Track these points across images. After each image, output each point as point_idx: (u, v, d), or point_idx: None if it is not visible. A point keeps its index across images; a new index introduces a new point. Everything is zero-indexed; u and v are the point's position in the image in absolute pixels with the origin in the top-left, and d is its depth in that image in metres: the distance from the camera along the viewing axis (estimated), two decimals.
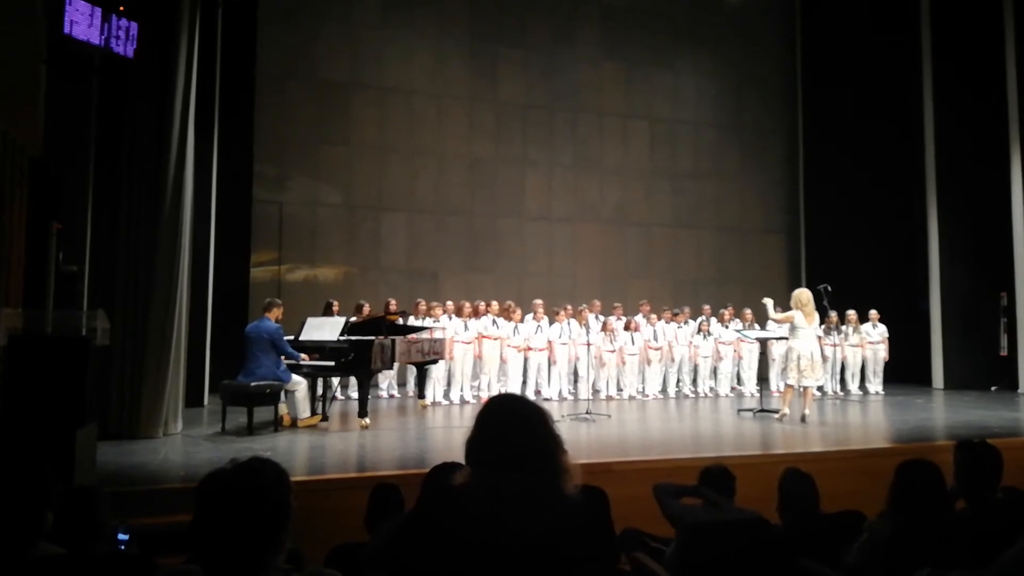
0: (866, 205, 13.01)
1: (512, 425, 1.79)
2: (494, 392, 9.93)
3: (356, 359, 7.31)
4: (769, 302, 8.77)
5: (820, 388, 11.03)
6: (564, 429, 1.85)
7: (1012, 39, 11.13)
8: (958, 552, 2.55)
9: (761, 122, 14.36)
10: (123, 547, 2.94)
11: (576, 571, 1.72)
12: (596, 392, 10.37)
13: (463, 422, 8.35)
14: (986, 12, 11.54)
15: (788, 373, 8.21)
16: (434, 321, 9.73)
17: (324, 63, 11.86)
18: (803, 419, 7.92)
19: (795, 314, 8.12)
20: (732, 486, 3.43)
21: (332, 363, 7.39)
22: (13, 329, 5.02)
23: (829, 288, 10.35)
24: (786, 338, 8.41)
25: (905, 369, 11.95)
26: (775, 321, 8.68)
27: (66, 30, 5.84)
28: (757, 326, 10.90)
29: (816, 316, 8.31)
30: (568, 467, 1.78)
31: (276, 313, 7.27)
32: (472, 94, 12.69)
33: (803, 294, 8.26)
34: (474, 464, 1.80)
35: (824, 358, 11.05)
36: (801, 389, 8.06)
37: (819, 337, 10.87)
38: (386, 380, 10.13)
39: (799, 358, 8.02)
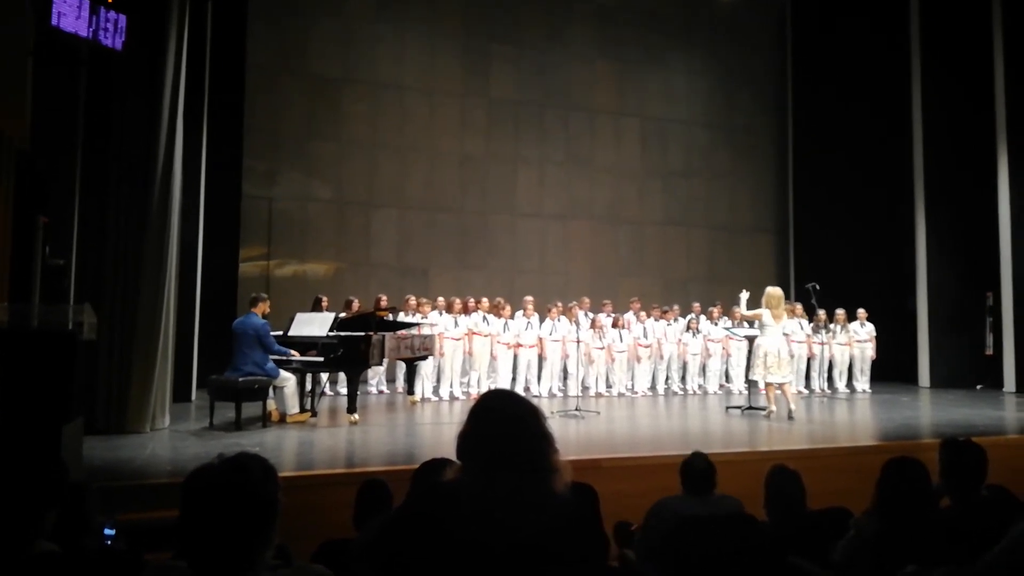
0: (855, 205, 13.10)
1: (505, 423, 1.79)
2: (483, 389, 9.93)
3: (345, 355, 7.30)
4: (744, 296, 8.84)
5: (807, 386, 11.14)
6: (554, 426, 1.85)
7: (1000, 41, 11.21)
8: (943, 550, 2.56)
9: (752, 121, 14.41)
10: (110, 542, 2.92)
11: (566, 569, 1.72)
12: (585, 389, 10.39)
13: (452, 418, 8.35)
14: (975, 13, 11.62)
15: (754, 369, 8.33)
16: (423, 317, 9.71)
17: (315, 58, 11.80)
18: (790, 416, 7.98)
19: (763, 312, 8.24)
20: (713, 479, 3.42)
21: (321, 359, 7.37)
22: None
23: (817, 287, 10.43)
24: None
25: (892, 367, 12.05)
26: (744, 317, 8.80)
27: (54, 22, 5.79)
28: (746, 324, 10.95)
29: (784, 315, 8.44)
30: (559, 466, 1.78)
31: (262, 308, 7.23)
32: (464, 90, 12.67)
33: (773, 293, 8.38)
34: (465, 460, 1.79)
35: (811, 355, 11.17)
36: (779, 387, 8.14)
37: (808, 336, 11.01)
38: (375, 376, 10.11)
39: (766, 355, 8.15)
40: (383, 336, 7.71)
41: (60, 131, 6.47)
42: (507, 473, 1.71)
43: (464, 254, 12.52)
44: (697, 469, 3.41)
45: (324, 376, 8.43)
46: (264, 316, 7.21)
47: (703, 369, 11.31)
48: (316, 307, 8.97)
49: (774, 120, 14.48)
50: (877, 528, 2.68)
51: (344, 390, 8.48)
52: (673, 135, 13.95)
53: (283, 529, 1.65)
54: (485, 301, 10.17)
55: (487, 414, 1.82)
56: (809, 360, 11.22)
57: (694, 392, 11.09)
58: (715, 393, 11.04)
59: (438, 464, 2.50)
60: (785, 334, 8.59)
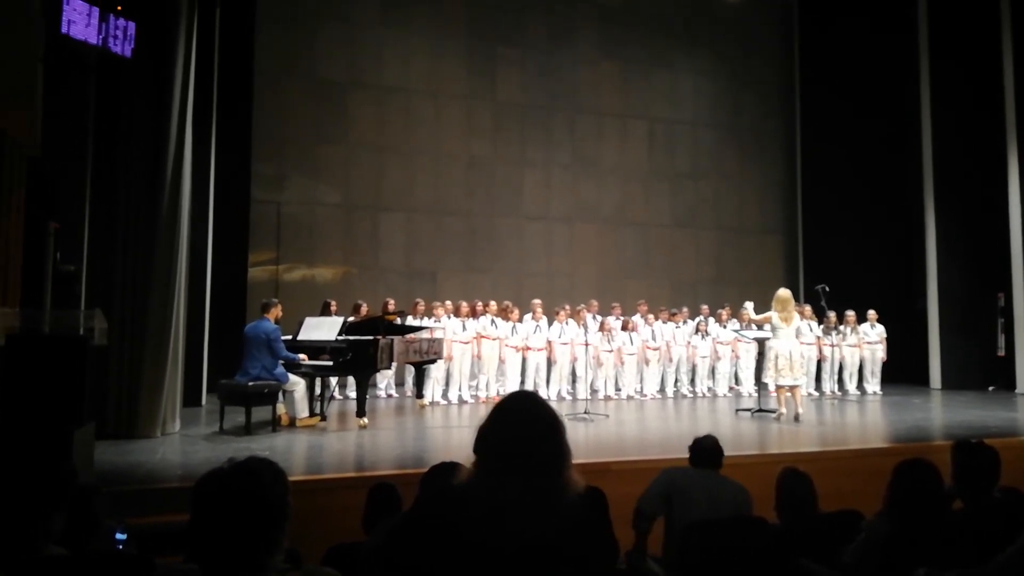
0: (864, 205, 13.03)
1: (526, 428, 1.78)
2: (492, 392, 9.95)
3: (354, 359, 7.31)
4: (749, 305, 8.88)
5: (818, 388, 11.08)
6: None
7: (1009, 40, 11.15)
8: (955, 552, 2.55)
9: (759, 122, 14.37)
10: (121, 546, 2.93)
11: (575, 573, 1.71)
12: (594, 392, 10.37)
13: (461, 422, 8.36)
14: (984, 13, 11.55)
15: (766, 372, 8.31)
16: (436, 320, 9.73)
17: (322, 62, 11.85)
18: (796, 418, 7.96)
19: (772, 315, 8.23)
20: (720, 460, 3.62)
21: (330, 363, 7.38)
22: (11, 329, 5.01)
23: (827, 288, 10.38)
24: None
25: (903, 369, 11.97)
26: (754, 321, 8.81)
27: (64, 29, 5.84)
28: (755, 326, 10.91)
29: (795, 316, 8.39)
30: (572, 479, 1.77)
31: (275, 313, 7.26)
32: (470, 94, 12.69)
33: (781, 295, 8.37)
34: (480, 455, 1.78)
35: (822, 357, 11.11)
36: (790, 389, 8.11)
37: (818, 338, 10.96)
38: (384, 380, 10.13)
39: (777, 357, 8.14)
40: (392, 340, 7.73)
41: (70, 137, 6.51)
42: (518, 477, 1.71)
43: (471, 257, 12.52)
44: (705, 446, 3.62)
45: (333, 380, 8.45)
46: (276, 321, 7.24)
47: (712, 372, 11.27)
48: (325, 311, 8.99)
49: (781, 121, 14.44)
50: (888, 530, 2.66)
51: (353, 394, 8.50)
52: (680, 137, 13.93)
53: (293, 533, 1.66)
54: (493, 304, 10.17)
55: (510, 416, 1.82)
56: (820, 362, 11.17)
57: (703, 395, 11.05)
58: (724, 396, 11.00)
59: (447, 468, 2.50)
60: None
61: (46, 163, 6.16)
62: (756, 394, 9.92)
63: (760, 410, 8.64)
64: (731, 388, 11.36)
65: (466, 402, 9.78)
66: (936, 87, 12.11)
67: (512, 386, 9.97)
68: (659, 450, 6.41)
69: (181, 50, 7.09)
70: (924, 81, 12.25)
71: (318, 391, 7.97)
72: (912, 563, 2.48)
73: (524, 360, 10.17)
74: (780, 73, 14.45)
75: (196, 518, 1.60)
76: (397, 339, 7.90)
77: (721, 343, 11.17)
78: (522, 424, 1.78)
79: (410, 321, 9.35)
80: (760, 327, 9.10)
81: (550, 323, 10.34)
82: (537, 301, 10.44)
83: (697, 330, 11.13)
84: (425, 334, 8.94)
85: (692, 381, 11.22)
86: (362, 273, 11.87)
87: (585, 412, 8.28)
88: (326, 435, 7.04)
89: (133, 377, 6.69)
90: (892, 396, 10.77)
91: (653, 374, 10.84)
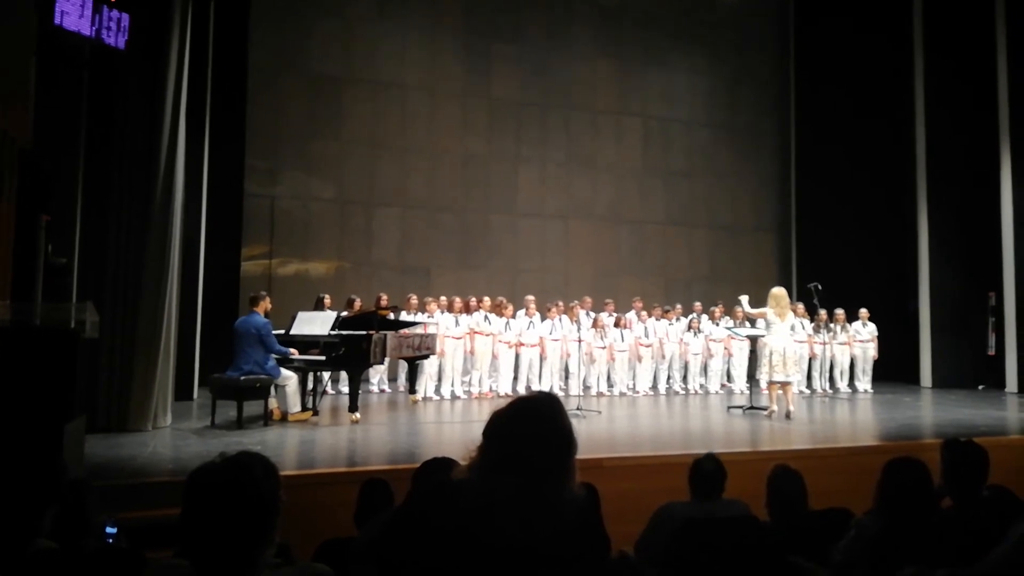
0: (857, 204, 13.08)
1: (539, 432, 1.76)
2: (485, 388, 9.96)
3: (347, 353, 7.30)
4: (744, 299, 8.96)
5: (809, 386, 11.12)
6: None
7: (1003, 40, 11.19)
8: (944, 550, 2.56)
9: (754, 121, 14.40)
10: (111, 540, 2.93)
11: (567, 571, 1.72)
12: (587, 388, 10.39)
13: (454, 417, 8.36)
14: (978, 13, 11.59)
15: (761, 368, 8.37)
16: (429, 316, 9.72)
17: (317, 57, 11.81)
18: (788, 416, 7.99)
19: (767, 311, 8.32)
20: (722, 484, 3.36)
21: (323, 357, 7.37)
22: (1, 321, 4.98)
23: (819, 287, 10.41)
24: None
25: (894, 367, 12.03)
26: (748, 315, 8.88)
27: (57, 21, 5.79)
28: (748, 324, 10.95)
29: (790, 313, 8.49)
30: (571, 487, 1.77)
31: (263, 306, 7.23)
32: (465, 90, 12.67)
33: (776, 292, 8.49)
34: (486, 443, 1.77)
35: (813, 355, 11.15)
36: (781, 387, 8.15)
37: (809, 336, 11.00)
38: (377, 375, 10.12)
39: (771, 353, 8.22)
40: (384, 335, 7.72)
41: (63, 130, 6.46)
42: (516, 478, 1.70)
43: (465, 254, 12.51)
44: (705, 471, 3.36)
45: (326, 375, 8.44)
46: (266, 314, 7.21)
47: (704, 369, 11.30)
48: (319, 306, 8.97)
49: (776, 119, 14.47)
50: (878, 528, 2.68)
51: (346, 389, 8.49)
52: (675, 134, 13.95)
53: (284, 528, 1.65)
54: (487, 300, 10.17)
55: (528, 412, 1.80)
56: (811, 360, 11.21)
57: (695, 392, 11.08)
58: (716, 393, 11.03)
59: (440, 463, 2.50)
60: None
61: (38, 155, 6.11)
62: (748, 391, 9.95)
63: (752, 407, 8.66)
64: (723, 385, 11.39)
65: (459, 398, 9.79)
66: (930, 86, 12.15)
67: (505, 382, 10.00)
68: (651, 447, 6.43)
69: (175, 43, 7.05)
70: (918, 80, 12.29)
71: (310, 386, 7.96)
72: (902, 561, 2.49)
73: (517, 356, 10.18)
74: (775, 71, 14.48)
75: (187, 512, 1.59)
76: (390, 334, 7.90)
77: (714, 340, 11.20)
78: (537, 426, 1.77)
79: (403, 316, 9.34)
80: (753, 323, 9.14)
81: (543, 319, 10.34)
82: (530, 297, 10.44)
83: (690, 327, 11.16)
84: (418, 329, 8.94)
85: (684, 378, 11.25)
86: (355, 268, 11.85)
87: (577, 408, 8.29)
88: (318, 430, 7.03)
89: (124, 371, 6.67)
90: (883, 394, 10.83)
91: (646, 371, 10.87)
